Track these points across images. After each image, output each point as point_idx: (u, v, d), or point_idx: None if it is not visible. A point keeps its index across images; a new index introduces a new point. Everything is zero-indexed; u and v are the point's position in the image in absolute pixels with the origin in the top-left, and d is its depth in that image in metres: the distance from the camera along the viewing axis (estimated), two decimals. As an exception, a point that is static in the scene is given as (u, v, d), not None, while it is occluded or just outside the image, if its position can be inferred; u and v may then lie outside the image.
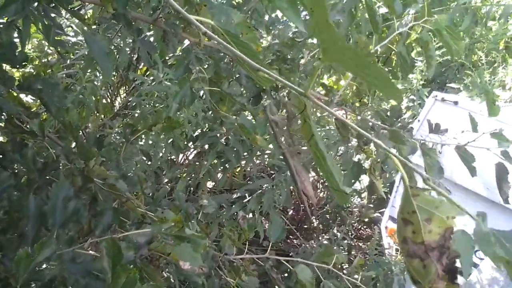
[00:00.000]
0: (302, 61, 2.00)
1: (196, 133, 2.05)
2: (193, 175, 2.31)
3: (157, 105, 1.63)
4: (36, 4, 1.07)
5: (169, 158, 2.25)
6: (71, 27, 2.27)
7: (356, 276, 1.52)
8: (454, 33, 1.33)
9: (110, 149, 1.28)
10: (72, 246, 0.89)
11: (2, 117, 1.15)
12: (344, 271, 2.11)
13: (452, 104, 2.98)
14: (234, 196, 2.31)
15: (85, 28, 1.34)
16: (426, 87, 4.06)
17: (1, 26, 1.09)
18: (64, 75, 2.05)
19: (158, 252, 0.98)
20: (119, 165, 1.23)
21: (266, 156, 2.62)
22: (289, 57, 1.84)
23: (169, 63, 1.92)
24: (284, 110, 1.71)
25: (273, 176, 2.39)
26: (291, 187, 2.39)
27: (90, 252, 0.92)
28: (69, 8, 1.25)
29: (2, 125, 1.17)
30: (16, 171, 1.16)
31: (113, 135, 1.61)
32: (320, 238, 3.47)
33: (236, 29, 1.12)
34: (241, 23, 1.14)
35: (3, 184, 0.97)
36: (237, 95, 1.56)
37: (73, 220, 0.94)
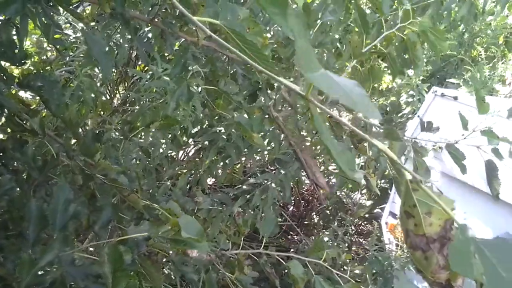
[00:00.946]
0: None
1: (196, 129, 2.05)
2: (193, 171, 2.32)
3: (155, 100, 1.63)
4: (34, 2, 1.07)
5: (169, 154, 2.25)
6: (70, 23, 2.27)
7: (345, 268, 1.53)
8: (438, 33, 1.35)
9: (109, 145, 1.28)
10: (71, 248, 0.89)
11: (3, 115, 1.15)
12: (345, 267, 2.12)
13: (452, 99, 2.98)
14: (236, 192, 2.31)
15: (84, 27, 1.34)
16: (426, 83, 4.06)
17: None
18: (63, 71, 2.04)
19: (156, 248, 0.98)
20: (118, 162, 1.23)
21: (266, 152, 2.62)
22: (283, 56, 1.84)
23: (167, 58, 1.92)
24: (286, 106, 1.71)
25: (273, 172, 2.39)
26: (292, 184, 2.39)
27: (90, 257, 0.92)
28: (67, 7, 1.25)
29: (1, 123, 1.17)
30: (16, 167, 1.16)
31: (112, 131, 1.61)
32: (320, 234, 3.48)
33: (242, 25, 1.12)
34: (246, 18, 1.14)
35: (4, 187, 0.97)
36: (233, 93, 1.56)
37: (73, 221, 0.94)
